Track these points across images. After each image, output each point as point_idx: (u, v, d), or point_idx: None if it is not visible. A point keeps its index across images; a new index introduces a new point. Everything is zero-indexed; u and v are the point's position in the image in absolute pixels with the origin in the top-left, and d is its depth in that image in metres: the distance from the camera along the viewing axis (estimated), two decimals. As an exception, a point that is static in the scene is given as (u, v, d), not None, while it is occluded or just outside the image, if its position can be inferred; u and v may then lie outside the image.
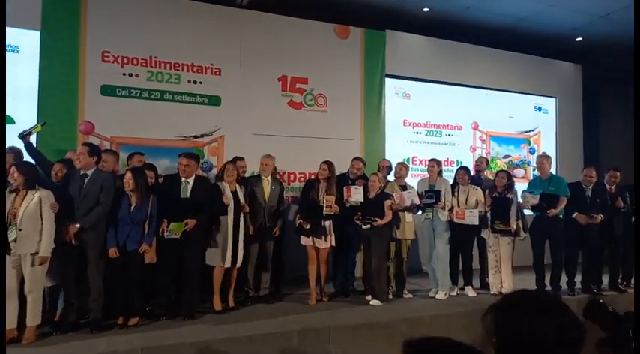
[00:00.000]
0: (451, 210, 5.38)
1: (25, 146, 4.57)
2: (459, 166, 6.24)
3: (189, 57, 6.10)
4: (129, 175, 4.12)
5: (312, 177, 5.57)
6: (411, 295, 5.44)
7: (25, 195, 3.69)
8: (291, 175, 6.51)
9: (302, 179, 6.37)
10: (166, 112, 5.93)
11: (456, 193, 5.48)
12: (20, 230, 3.61)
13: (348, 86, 6.99)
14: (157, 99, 5.94)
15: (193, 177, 4.57)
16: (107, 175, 4.23)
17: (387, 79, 7.31)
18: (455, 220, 5.36)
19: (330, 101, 6.87)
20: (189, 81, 6.10)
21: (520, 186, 6.31)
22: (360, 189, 5.16)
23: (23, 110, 5.32)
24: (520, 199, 5.61)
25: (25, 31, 5.44)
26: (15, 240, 3.60)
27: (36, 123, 4.93)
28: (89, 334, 3.87)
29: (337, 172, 5.38)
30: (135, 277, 4.14)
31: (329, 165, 5.19)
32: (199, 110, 6.11)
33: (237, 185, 4.83)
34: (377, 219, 4.92)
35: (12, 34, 5.33)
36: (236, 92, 6.30)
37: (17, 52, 5.43)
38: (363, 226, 4.99)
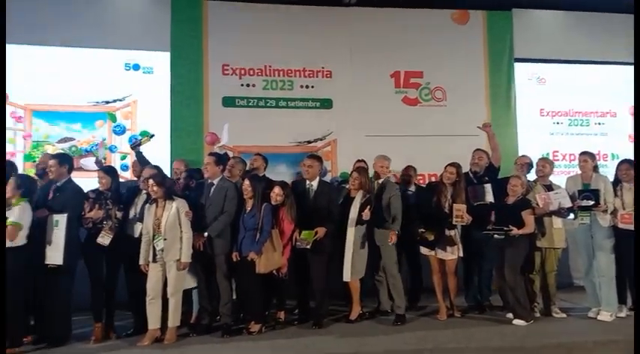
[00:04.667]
0: (614, 213, 4.48)
1: (137, 155, 4.91)
2: (620, 159, 5.13)
3: (300, 62, 6.17)
4: (247, 182, 4.20)
5: (433, 180, 5.13)
6: (563, 315, 4.59)
7: (164, 205, 3.98)
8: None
9: (421, 182, 5.97)
10: (281, 119, 6.08)
11: (619, 193, 4.55)
12: (165, 240, 3.90)
13: (470, 76, 6.39)
14: (272, 107, 6.12)
15: (317, 180, 4.48)
16: (230, 184, 4.35)
17: (517, 64, 6.50)
18: (620, 226, 4.43)
19: (450, 94, 6.36)
20: (301, 86, 6.17)
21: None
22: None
23: (159, 125, 5.90)
24: None
25: (159, 54, 6.01)
26: (162, 249, 3.89)
27: (146, 134, 5.30)
28: (220, 338, 4.03)
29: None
30: (246, 284, 4.17)
31: (456, 167, 4.57)
32: (312, 115, 6.15)
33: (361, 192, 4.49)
34: (512, 228, 4.31)
35: (147, 57, 5.98)
36: (347, 93, 6.19)
37: (152, 72, 6.04)
38: (496, 236, 4.42)
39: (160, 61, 6.01)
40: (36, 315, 4.02)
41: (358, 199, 4.40)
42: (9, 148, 5.72)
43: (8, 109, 5.73)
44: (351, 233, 4.34)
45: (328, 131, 6.11)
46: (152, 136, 5.07)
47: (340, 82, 6.19)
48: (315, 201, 4.38)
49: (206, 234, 4.11)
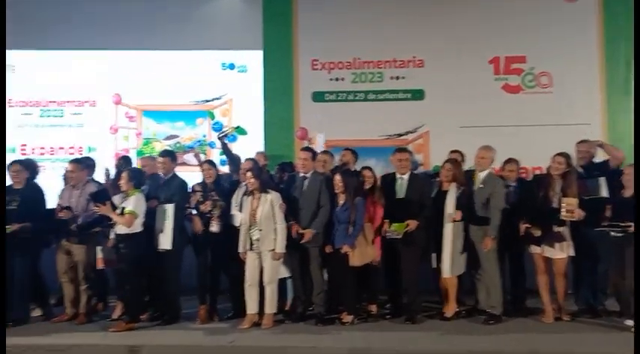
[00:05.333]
0: None
1: (223, 146, 5.17)
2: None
3: (390, 53, 5.99)
4: (338, 177, 4.24)
5: (539, 172, 4.73)
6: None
7: (260, 198, 4.16)
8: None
9: (523, 176, 5.50)
10: (370, 112, 5.98)
11: None
12: (260, 230, 4.09)
13: (581, 59, 5.74)
14: (362, 100, 6.04)
15: (408, 174, 4.39)
16: (322, 178, 4.43)
17: (641, 43, 5.68)
18: None
19: (557, 80, 5.77)
20: (391, 78, 6.00)
21: None
22: None
23: (253, 121, 6.13)
24: None
25: (252, 52, 6.21)
26: (258, 239, 4.10)
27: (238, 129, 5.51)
28: (314, 326, 4.14)
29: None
30: (339, 276, 4.22)
31: (566, 158, 4.18)
32: (403, 107, 5.95)
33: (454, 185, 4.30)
34: (631, 224, 3.82)
35: (241, 56, 6.24)
36: (441, 83, 5.88)
37: (246, 71, 6.27)
38: (613, 233, 3.97)
39: (254, 60, 6.21)
40: (151, 295, 4.46)
41: (452, 192, 4.20)
42: (124, 145, 6.34)
43: (122, 109, 6.34)
44: (449, 229, 4.18)
45: (420, 123, 5.88)
46: (237, 127, 5.28)
47: (433, 72, 5.91)
48: (406, 195, 4.28)
49: (312, 231, 4.17)
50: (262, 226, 4.09)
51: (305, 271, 4.31)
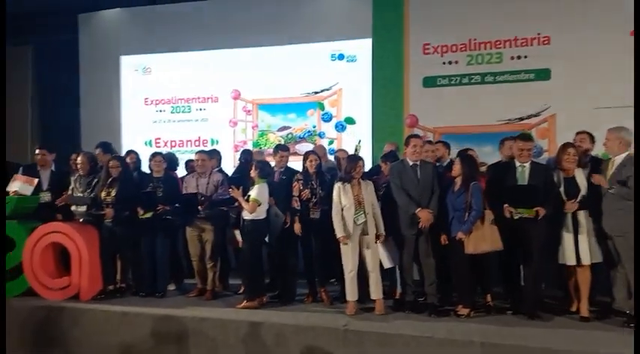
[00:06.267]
0: None
1: None
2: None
3: (511, 31, 5.55)
4: (457, 160, 4.09)
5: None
6: None
7: (360, 183, 4.16)
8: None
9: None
10: (487, 96, 5.62)
11: None
12: (367, 213, 4.08)
13: None
14: (478, 83, 5.69)
15: (529, 162, 4.06)
16: (432, 166, 4.32)
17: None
18: None
19: None
20: (512, 58, 5.56)
21: None
22: None
23: (362, 111, 6.12)
24: None
25: (361, 41, 6.19)
26: (364, 223, 4.08)
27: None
28: (427, 317, 4.03)
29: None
30: (458, 267, 4.02)
31: None
32: (524, 88, 5.49)
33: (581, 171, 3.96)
34: None
35: (350, 46, 6.25)
36: (570, 61, 5.31)
37: (355, 60, 6.27)
38: None
39: (363, 49, 6.19)
40: (271, 277, 4.80)
41: (580, 177, 3.86)
42: (241, 137, 6.75)
43: (240, 104, 6.75)
44: (582, 216, 3.85)
45: (545, 106, 5.36)
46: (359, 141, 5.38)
47: (561, 49, 5.34)
48: (528, 183, 3.95)
49: (431, 210, 4.07)
50: (367, 210, 4.09)
51: (415, 260, 4.21)
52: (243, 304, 4.29)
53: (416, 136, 4.55)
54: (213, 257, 4.67)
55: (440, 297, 4.21)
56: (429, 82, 5.85)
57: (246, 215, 4.29)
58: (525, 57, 5.50)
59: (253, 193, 4.25)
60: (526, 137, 4.16)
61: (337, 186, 4.16)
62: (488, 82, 5.63)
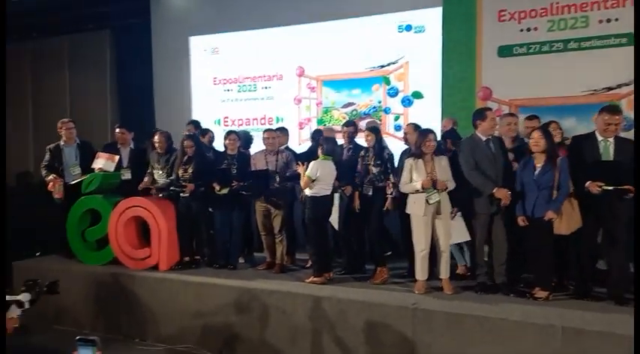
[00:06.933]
0: None
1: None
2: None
3: (600, -10, 5.01)
4: (538, 133, 3.79)
5: None
6: None
7: (433, 160, 4.01)
8: None
9: None
10: (571, 65, 5.15)
11: None
12: (441, 191, 3.93)
13: None
14: (560, 51, 5.23)
15: (613, 137, 3.76)
16: (501, 140, 4.16)
17: None
18: None
19: None
20: (600, 21, 5.05)
21: None
22: None
23: (430, 84, 5.87)
24: None
25: (430, 11, 5.89)
26: (438, 201, 3.94)
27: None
28: (499, 298, 3.86)
29: None
30: (542, 248, 3.80)
31: None
32: (614, 54, 4.97)
33: None
34: None
35: (419, 16, 5.98)
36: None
37: (423, 31, 5.99)
38: None
39: (432, 18, 5.89)
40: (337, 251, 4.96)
41: None
42: (305, 114, 6.75)
43: (304, 81, 6.73)
44: None
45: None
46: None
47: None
48: (614, 158, 3.69)
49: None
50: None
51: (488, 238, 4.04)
52: (310, 279, 4.36)
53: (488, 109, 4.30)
54: (281, 232, 4.77)
55: (510, 278, 4.03)
56: (505, 51, 5.47)
57: (307, 191, 4.34)
58: (616, 20, 4.97)
59: (308, 169, 4.28)
60: (613, 109, 3.81)
61: (408, 162, 4.05)
62: (572, 49, 5.15)
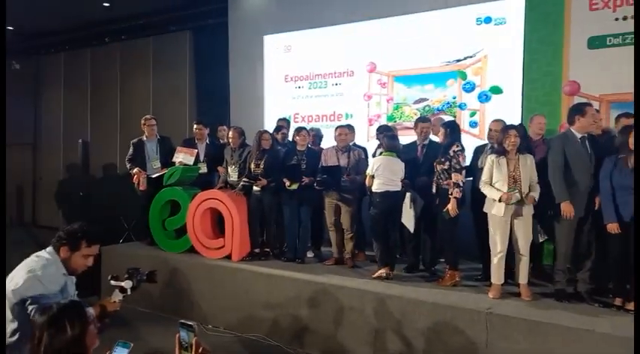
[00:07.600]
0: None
1: None
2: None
3: None
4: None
5: None
6: None
7: (518, 159, 3.78)
8: None
9: None
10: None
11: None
12: (521, 192, 3.71)
13: None
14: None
15: None
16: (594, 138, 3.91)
17: None
18: None
19: None
20: None
21: None
22: None
23: (510, 79, 5.55)
24: None
25: (512, 1, 5.56)
26: (518, 202, 3.71)
27: None
28: (583, 307, 3.62)
29: None
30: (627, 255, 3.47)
31: None
32: None
33: None
34: None
35: (499, 7, 5.66)
36: None
37: (504, 23, 5.67)
38: None
39: (514, 9, 5.56)
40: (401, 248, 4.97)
41: None
42: (375, 110, 6.66)
43: (375, 77, 6.64)
44: None
45: None
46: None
47: None
48: None
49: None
50: (524, 188, 3.73)
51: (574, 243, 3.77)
52: (376, 273, 4.33)
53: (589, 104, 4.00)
54: (351, 228, 4.74)
55: (593, 287, 3.75)
56: (596, 42, 5.04)
57: (373, 187, 4.37)
58: None
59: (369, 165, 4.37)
60: None
61: (490, 159, 3.86)
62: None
